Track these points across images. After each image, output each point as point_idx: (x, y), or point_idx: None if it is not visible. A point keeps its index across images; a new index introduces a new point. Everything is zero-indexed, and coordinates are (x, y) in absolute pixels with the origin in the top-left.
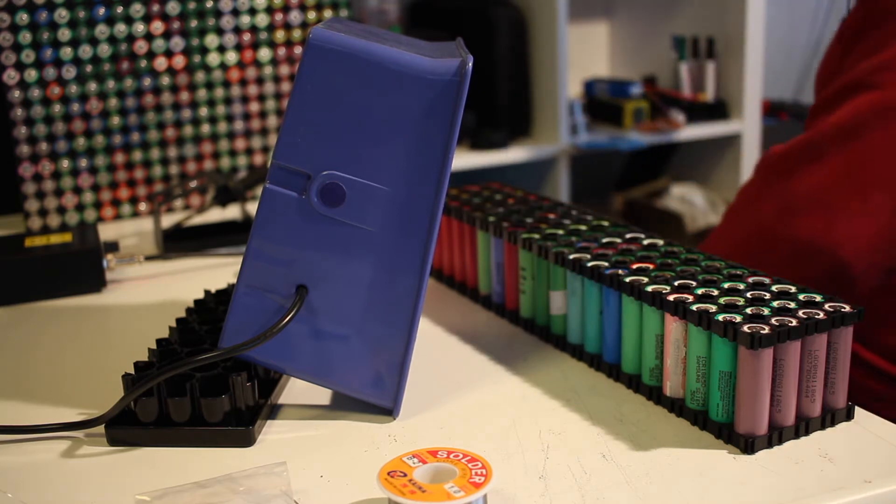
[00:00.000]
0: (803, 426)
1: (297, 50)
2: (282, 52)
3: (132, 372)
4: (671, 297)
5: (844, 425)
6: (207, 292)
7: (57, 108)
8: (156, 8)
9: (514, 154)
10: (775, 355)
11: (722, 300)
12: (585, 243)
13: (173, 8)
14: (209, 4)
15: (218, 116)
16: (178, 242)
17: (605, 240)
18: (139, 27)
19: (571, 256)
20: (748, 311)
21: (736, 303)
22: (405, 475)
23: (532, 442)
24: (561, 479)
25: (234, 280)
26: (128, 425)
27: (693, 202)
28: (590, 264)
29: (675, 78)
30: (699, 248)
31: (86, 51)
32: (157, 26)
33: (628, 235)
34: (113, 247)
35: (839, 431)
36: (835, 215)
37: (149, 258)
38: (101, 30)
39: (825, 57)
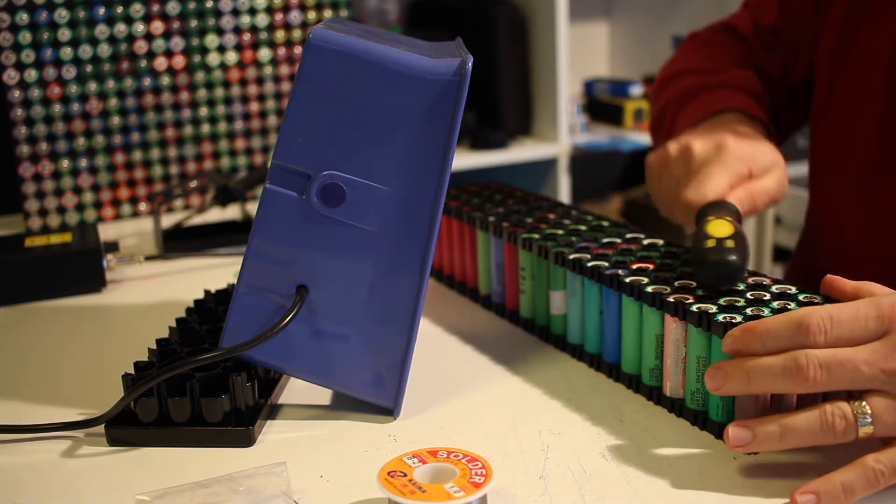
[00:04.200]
0: None
1: (297, 50)
2: (282, 52)
3: (132, 372)
4: (671, 298)
5: None
6: (207, 292)
7: (57, 108)
8: (156, 8)
9: (514, 154)
10: None
11: (722, 300)
12: (585, 243)
13: (173, 8)
14: (209, 4)
15: (218, 116)
16: (178, 242)
17: (605, 240)
18: (139, 27)
19: (571, 256)
20: (748, 311)
21: (736, 303)
22: (405, 475)
23: (532, 442)
24: (561, 479)
25: (234, 280)
26: (128, 425)
27: None
28: (590, 264)
29: None
30: None
31: (86, 51)
32: (157, 26)
33: (628, 235)
34: (113, 247)
35: None
36: None
37: (149, 258)
38: (101, 30)
39: None
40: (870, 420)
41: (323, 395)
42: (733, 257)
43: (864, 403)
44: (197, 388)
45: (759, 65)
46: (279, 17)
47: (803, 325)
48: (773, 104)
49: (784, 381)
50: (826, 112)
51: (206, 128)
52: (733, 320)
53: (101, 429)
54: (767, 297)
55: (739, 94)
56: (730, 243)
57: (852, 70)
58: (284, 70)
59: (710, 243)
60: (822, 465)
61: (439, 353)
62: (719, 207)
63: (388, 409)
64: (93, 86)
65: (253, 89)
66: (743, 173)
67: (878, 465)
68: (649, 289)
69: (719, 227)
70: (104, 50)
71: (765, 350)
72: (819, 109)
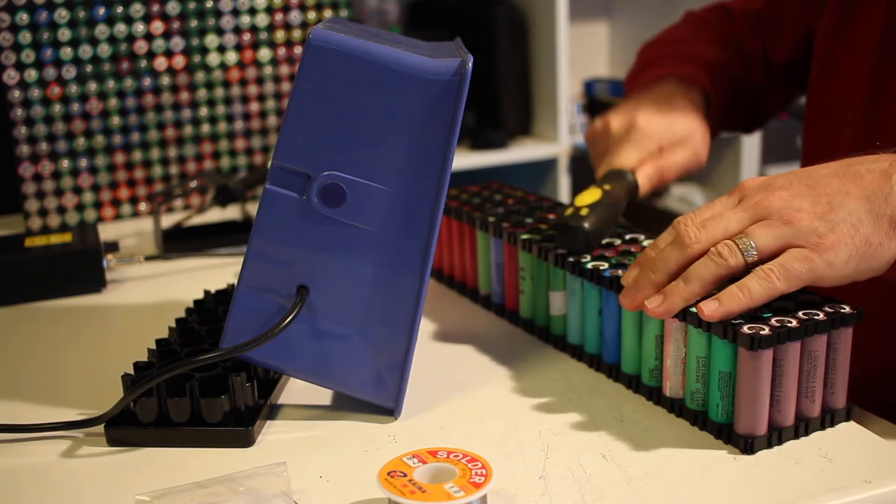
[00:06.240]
0: (803, 426)
1: (297, 50)
2: (282, 52)
3: (132, 372)
4: None
5: (844, 425)
6: (207, 292)
7: (57, 108)
8: (156, 8)
9: (514, 154)
10: (775, 356)
11: None
12: None
13: (173, 8)
14: (209, 4)
15: (218, 116)
16: (178, 242)
17: (604, 241)
18: (139, 27)
19: (571, 258)
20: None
21: None
22: (405, 475)
23: (532, 442)
24: (561, 479)
25: (234, 280)
26: (127, 425)
27: (693, 202)
28: (589, 266)
29: None
30: None
31: (86, 51)
32: (157, 26)
33: (628, 236)
34: (113, 247)
35: (839, 431)
36: None
37: (149, 258)
38: (101, 30)
39: None
40: (752, 244)
41: (323, 395)
42: (584, 224)
43: (742, 236)
44: (197, 389)
45: (742, 46)
46: (279, 17)
47: (672, 229)
48: (752, 86)
49: (672, 250)
50: (817, 109)
51: (206, 128)
52: (733, 321)
53: (101, 429)
54: None
55: (687, 64)
56: (585, 211)
57: (842, 65)
58: (284, 70)
59: (569, 211)
60: (822, 472)
61: (439, 353)
62: (614, 177)
63: (388, 409)
64: (93, 86)
65: (253, 89)
66: (652, 150)
67: (766, 267)
68: None
69: (585, 196)
70: (104, 50)
71: (661, 274)
72: (811, 110)
